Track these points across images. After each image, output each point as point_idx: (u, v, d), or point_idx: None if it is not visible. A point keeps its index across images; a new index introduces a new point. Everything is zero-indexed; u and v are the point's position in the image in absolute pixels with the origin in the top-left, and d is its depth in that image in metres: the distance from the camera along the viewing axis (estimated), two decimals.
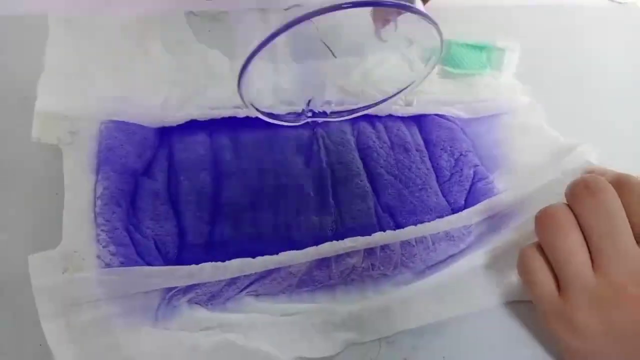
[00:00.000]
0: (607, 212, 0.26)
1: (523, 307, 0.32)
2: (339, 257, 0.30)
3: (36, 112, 0.29)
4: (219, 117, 0.32)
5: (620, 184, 0.27)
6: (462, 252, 0.33)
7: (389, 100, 0.35)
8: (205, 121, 0.33)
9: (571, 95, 0.43)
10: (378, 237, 0.30)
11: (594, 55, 0.46)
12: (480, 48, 0.39)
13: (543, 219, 0.28)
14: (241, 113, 0.33)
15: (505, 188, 0.35)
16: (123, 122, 0.31)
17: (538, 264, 0.28)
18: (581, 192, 0.27)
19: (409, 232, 0.31)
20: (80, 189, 0.28)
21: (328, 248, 0.29)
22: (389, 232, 0.31)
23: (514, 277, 0.33)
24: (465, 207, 0.33)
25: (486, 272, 0.32)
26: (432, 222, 0.31)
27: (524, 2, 0.47)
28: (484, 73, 0.39)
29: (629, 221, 0.27)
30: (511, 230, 0.33)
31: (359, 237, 0.30)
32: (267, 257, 0.29)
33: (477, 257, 0.32)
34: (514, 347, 0.31)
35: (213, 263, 0.28)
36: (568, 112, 0.40)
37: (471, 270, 0.32)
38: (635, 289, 0.26)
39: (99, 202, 0.28)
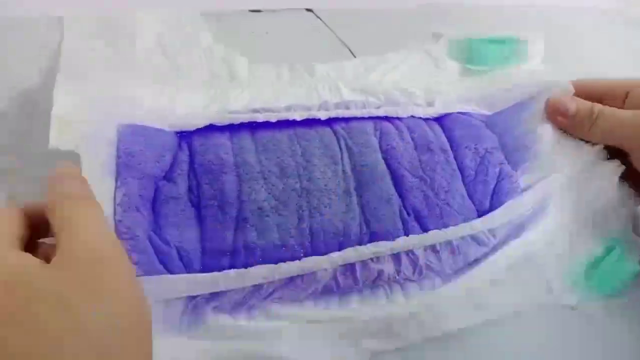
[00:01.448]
0: None
1: (554, 311, 0.32)
2: (364, 263, 0.29)
3: (52, 119, 0.28)
4: (238, 122, 0.32)
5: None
6: (486, 255, 0.32)
7: (410, 101, 0.35)
8: (225, 126, 0.32)
9: None
10: (402, 242, 0.30)
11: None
12: (501, 42, 0.38)
13: None
14: (260, 117, 0.32)
15: (529, 185, 0.34)
16: (141, 126, 0.30)
17: None
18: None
19: (434, 236, 0.30)
20: (99, 196, 0.27)
21: (352, 254, 0.29)
22: (412, 236, 0.30)
23: (540, 280, 0.32)
24: (490, 208, 0.32)
25: (512, 274, 0.32)
26: (457, 226, 0.31)
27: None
28: (508, 66, 0.37)
29: None
30: (534, 230, 0.32)
31: (383, 241, 0.29)
32: (291, 264, 0.28)
33: (502, 260, 0.32)
34: (545, 353, 0.31)
35: (237, 270, 0.27)
36: None
37: (498, 273, 0.32)
38: None
39: (118, 209, 0.27)
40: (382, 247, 0.29)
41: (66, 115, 0.29)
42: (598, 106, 0.34)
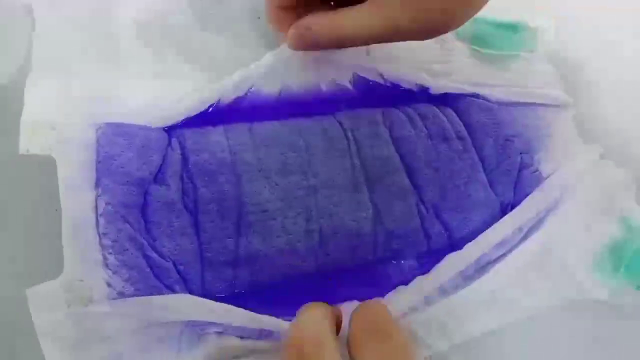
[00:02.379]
0: None
1: (579, 306, 0.30)
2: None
3: (23, 121, 0.25)
4: (229, 102, 0.29)
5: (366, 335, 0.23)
6: (510, 251, 0.30)
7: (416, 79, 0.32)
8: (216, 114, 0.29)
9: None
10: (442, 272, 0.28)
11: None
12: (511, 27, 0.35)
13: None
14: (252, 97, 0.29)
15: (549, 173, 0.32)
16: (122, 124, 0.27)
17: None
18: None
19: (472, 253, 0.28)
20: (79, 207, 0.24)
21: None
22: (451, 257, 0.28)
23: (565, 274, 0.30)
24: (515, 200, 0.30)
25: (534, 270, 0.30)
26: (484, 234, 0.29)
27: None
28: (517, 54, 0.35)
29: None
30: (552, 222, 0.30)
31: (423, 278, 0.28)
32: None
33: (524, 256, 0.30)
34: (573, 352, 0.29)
35: (245, 312, 0.24)
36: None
37: (521, 270, 0.29)
38: None
39: (102, 221, 0.24)
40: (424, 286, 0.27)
41: (39, 116, 0.25)
42: None
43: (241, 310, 0.24)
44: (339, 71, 0.31)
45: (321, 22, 0.28)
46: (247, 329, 0.24)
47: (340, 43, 0.28)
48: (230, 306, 0.24)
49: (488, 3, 0.28)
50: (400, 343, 0.22)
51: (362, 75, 0.31)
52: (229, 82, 0.29)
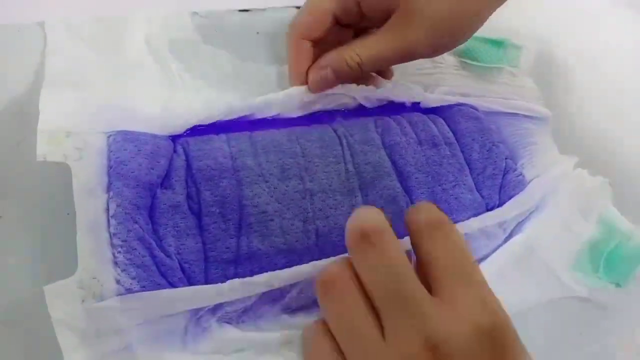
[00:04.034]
0: (390, 266, 0.21)
1: (564, 303, 0.31)
2: None
3: (39, 130, 0.26)
4: (235, 117, 0.31)
5: (431, 227, 0.23)
6: (494, 250, 0.31)
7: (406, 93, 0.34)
8: (219, 125, 0.30)
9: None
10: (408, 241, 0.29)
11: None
12: (497, 43, 0.38)
13: (321, 286, 0.23)
14: (257, 115, 0.31)
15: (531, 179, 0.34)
16: (132, 132, 0.28)
17: (326, 346, 0.22)
18: (357, 242, 0.22)
19: None
20: (92, 209, 0.26)
21: None
22: None
23: (547, 272, 0.32)
24: (500, 202, 0.32)
25: (518, 269, 0.31)
26: (468, 220, 0.30)
27: None
28: (501, 68, 0.37)
29: (427, 273, 0.22)
30: (536, 223, 0.32)
31: None
32: (295, 268, 0.27)
33: (508, 255, 0.31)
34: (555, 348, 0.30)
35: (241, 280, 0.26)
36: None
37: (504, 269, 0.31)
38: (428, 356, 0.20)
39: (113, 222, 0.26)
40: None
41: (53, 127, 0.27)
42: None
43: (239, 280, 0.26)
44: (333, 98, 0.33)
45: (338, 59, 0.30)
46: (245, 302, 0.26)
47: (358, 75, 0.31)
48: (230, 282, 0.26)
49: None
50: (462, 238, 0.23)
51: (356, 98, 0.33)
52: (234, 105, 0.31)
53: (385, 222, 0.23)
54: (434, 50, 0.30)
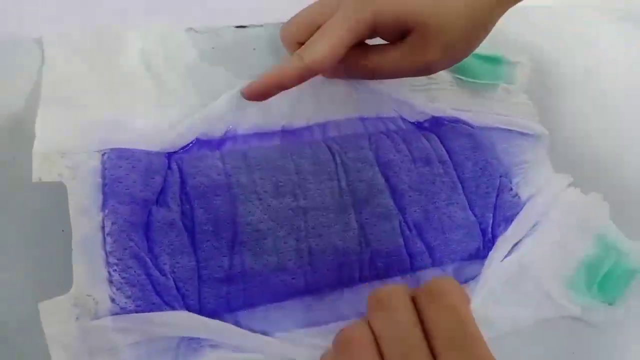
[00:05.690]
0: (400, 330, 0.22)
1: (557, 323, 0.32)
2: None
3: (34, 151, 0.26)
4: (227, 134, 0.31)
5: (431, 293, 0.23)
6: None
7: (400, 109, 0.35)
8: (213, 141, 0.31)
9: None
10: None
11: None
12: (493, 60, 0.38)
13: (339, 345, 0.23)
14: (250, 131, 0.32)
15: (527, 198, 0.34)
16: (126, 149, 0.29)
17: None
18: (373, 306, 0.23)
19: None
20: (88, 227, 0.26)
21: None
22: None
23: (539, 291, 0.32)
24: (494, 222, 0.32)
25: (509, 289, 0.31)
26: (490, 267, 0.31)
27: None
28: (497, 85, 0.37)
29: (433, 336, 0.22)
30: (532, 242, 0.32)
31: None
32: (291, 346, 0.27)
33: (499, 274, 0.31)
34: None
35: (238, 329, 0.26)
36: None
37: (496, 289, 0.31)
38: None
39: (108, 239, 0.26)
40: None
41: (49, 145, 0.27)
42: None
43: (234, 327, 0.26)
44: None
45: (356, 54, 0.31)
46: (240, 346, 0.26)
47: (370, 75, 0.32)
48: (224, 323, 0.26)
49: None
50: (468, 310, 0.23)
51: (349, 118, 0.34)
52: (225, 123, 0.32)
53: (400, 293, 0.23)
54: (448, 65, 0.32)
